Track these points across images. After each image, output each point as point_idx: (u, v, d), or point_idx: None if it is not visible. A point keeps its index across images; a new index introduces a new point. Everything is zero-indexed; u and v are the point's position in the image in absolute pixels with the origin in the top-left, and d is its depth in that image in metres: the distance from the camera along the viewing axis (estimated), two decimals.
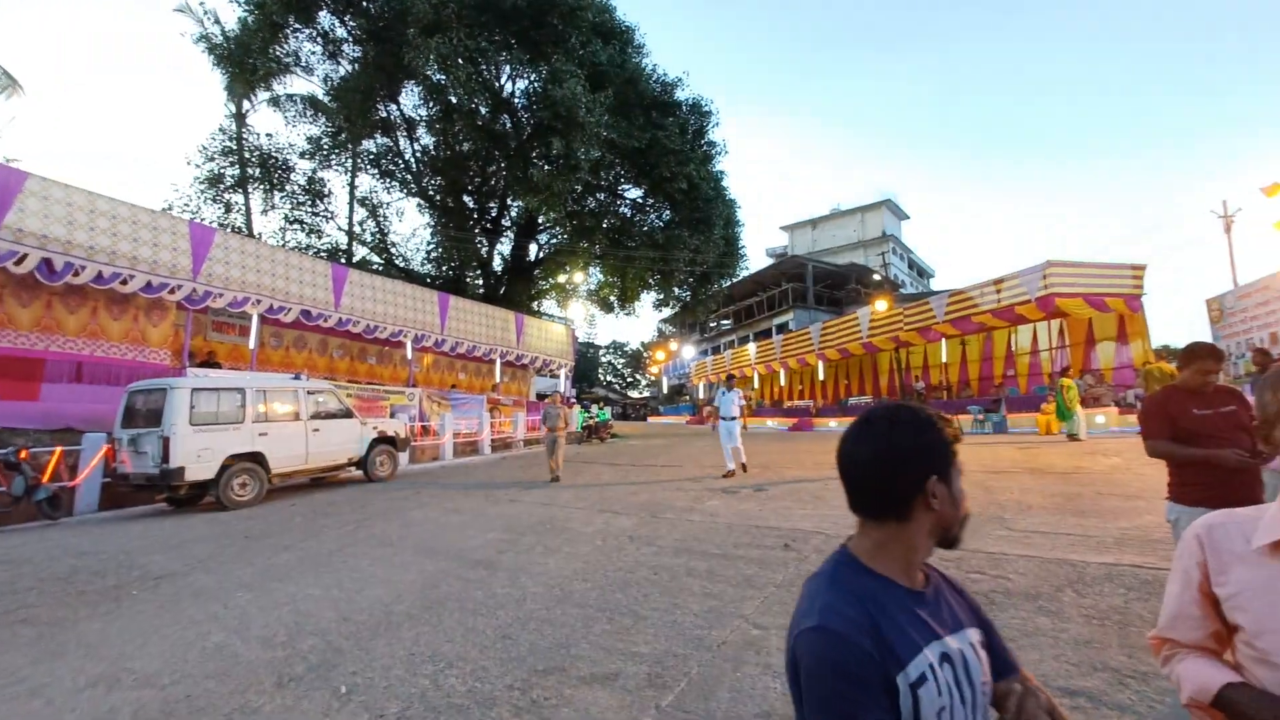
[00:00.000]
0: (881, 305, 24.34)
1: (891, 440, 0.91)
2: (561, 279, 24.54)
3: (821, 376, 28.29)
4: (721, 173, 21.64)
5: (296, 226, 21.88)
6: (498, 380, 19.36)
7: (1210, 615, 1.04)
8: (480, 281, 23.82)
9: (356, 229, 23.03)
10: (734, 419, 10.30)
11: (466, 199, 22.63)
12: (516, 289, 22.83)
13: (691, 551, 5.45)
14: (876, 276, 35.89)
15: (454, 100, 18.12)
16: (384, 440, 11.43)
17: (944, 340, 22.00)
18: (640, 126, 19.14)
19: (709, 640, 3.55)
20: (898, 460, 0.90)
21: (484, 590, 4.61)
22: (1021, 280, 18.24)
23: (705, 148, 20.94)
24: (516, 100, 20.05)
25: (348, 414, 10.82)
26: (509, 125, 19.81)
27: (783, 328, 35.74)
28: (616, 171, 20.80)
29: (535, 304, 26.09)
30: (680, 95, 20.81)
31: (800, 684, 0.84)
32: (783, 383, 31.75)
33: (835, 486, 9.18)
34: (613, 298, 24.35)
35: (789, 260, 40.06)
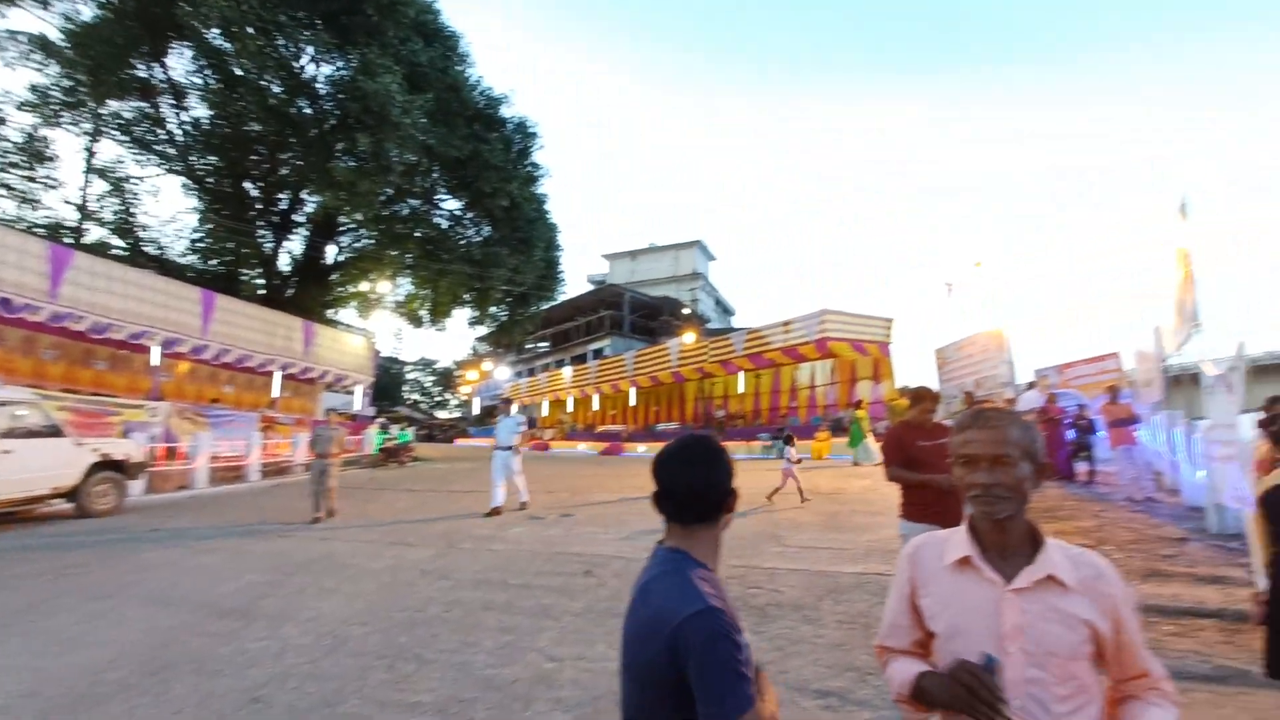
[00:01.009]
0: (690, 338, 26.20)
1: (710, 464, 1.17)
2: (364, 287, 22.42)
3: (633, 403, 29.44)
4: (545, 195, 21.71)
5: (1, 191, 17.17)
6: (275, 395, 16.93)
7: (916, 624, 1.19)
8: (262, 282, 20.80)
9: (93, 204, 18.76)
10: (509, 448, 8.91)
11: (249, 186, 19.73)
12: (308, 294, 20.32)
13: (490, 583, 5.18)
14: (686, 310, 38.59)
15: (240, 73, 15.81)
16: (107, 465, 9.24)
17: (742, 373, 24.28)
18: (463, 137, 18.46)
19: (499, 680, 3.35)
20: (715, 479, 1.17)
21: (233, 645, 3.88)
22: (803, 324, 20.95)
23: (529, 168, 20.85)
24: (320, 86, 18.14)
25: (55, 432, 8.57)
26: (309, 112, 17.82)
27: (599, 353, 36.62)
28: (434, 180, 19.74)
29: (331, 312, 23.45)
30: (506, 113, 20.58)
31: (683, 662, 0.99)
32: (596, 407, 32.41)
33: (639, 509, 9.52)
34: (423, 311, 22.85)
35: (608, 288, 41.38)
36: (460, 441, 41.12)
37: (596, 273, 58.98)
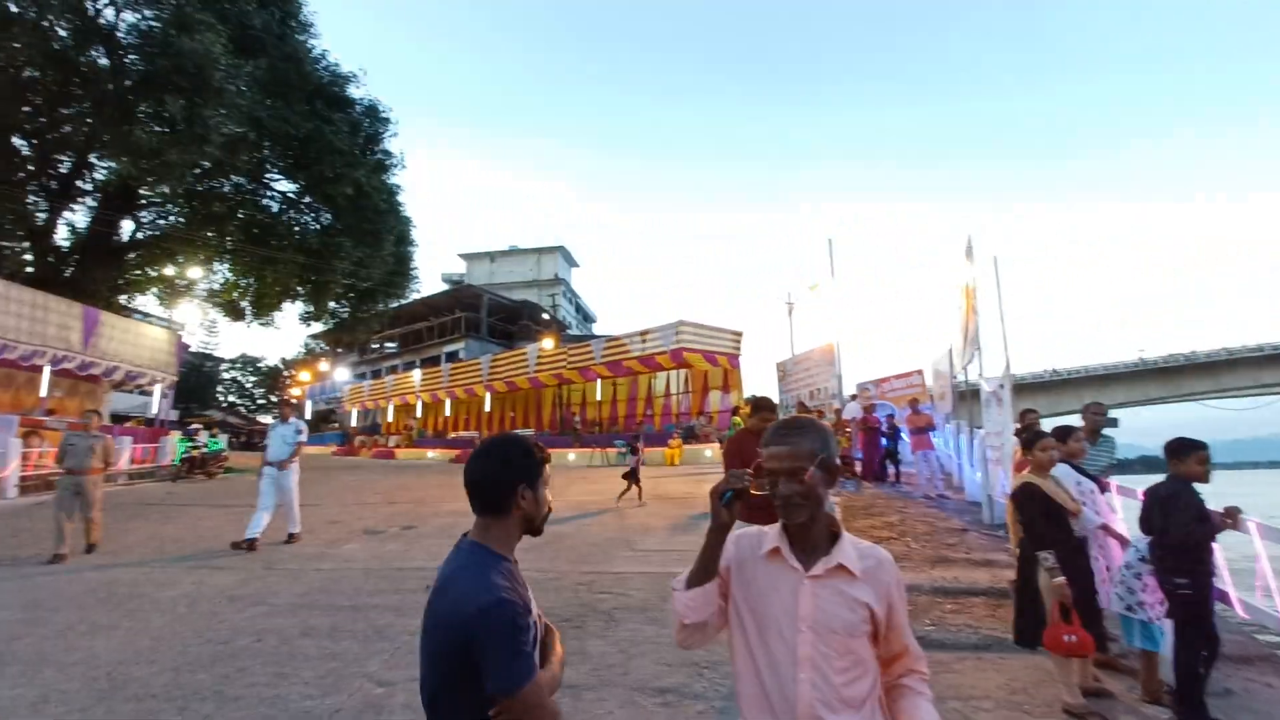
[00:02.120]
0: (549, 343, 25.93)
1: (500, 460, 1.31)
2: (170, 271, 19.31)
3: (488, 408, 28.47)
4: (397, 186, 20.20)
5: None
6: (44, 395, 13.99)
7: (719, 595, 1.33)
8: (30, 257, 17.15)
9: None
10: (276, 464, 7.18)
11: (18, 141, 16.16)
12: (94, 275, 17.03)
13: (313, 607, 4.69)
14: (546, 316, 38.22)
15: (13, 8, 12.94)
16: None
17: (600, 380, 24.51)
18: (301, 114, 16.64)
19: (318, 711, 3.05)
20: (499, 475, 1.29)
21: None
22: (660, 334, 21.67)
23: (380, 156, 19.30)
24: (122, 36, 15.42)
25: None
26: (105, 64, 15.06)
27: (453, 356, 34.96)
28: (265, 157, 17.58)
29: (125, 298, 19.92)
30: (355, 93, 18.89)
31: (475, 649, 1.14)
32: (448, 413, 30.88)
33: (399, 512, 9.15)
34: (244, 303, 20.20)
35: (466, 289, 39.73)
36: None
37: (453, 272, 56.53)
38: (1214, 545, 3.15)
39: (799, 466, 1.24)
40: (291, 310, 21.89)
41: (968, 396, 12.36)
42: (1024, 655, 3.81)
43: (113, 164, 15.75)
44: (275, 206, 19.52)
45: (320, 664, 3.62)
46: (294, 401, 8.12)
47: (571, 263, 57.24)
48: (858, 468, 12.64)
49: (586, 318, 59.85)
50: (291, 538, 7.18)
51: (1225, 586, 3.97)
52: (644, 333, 22.10)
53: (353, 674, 3.48)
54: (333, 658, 3.71)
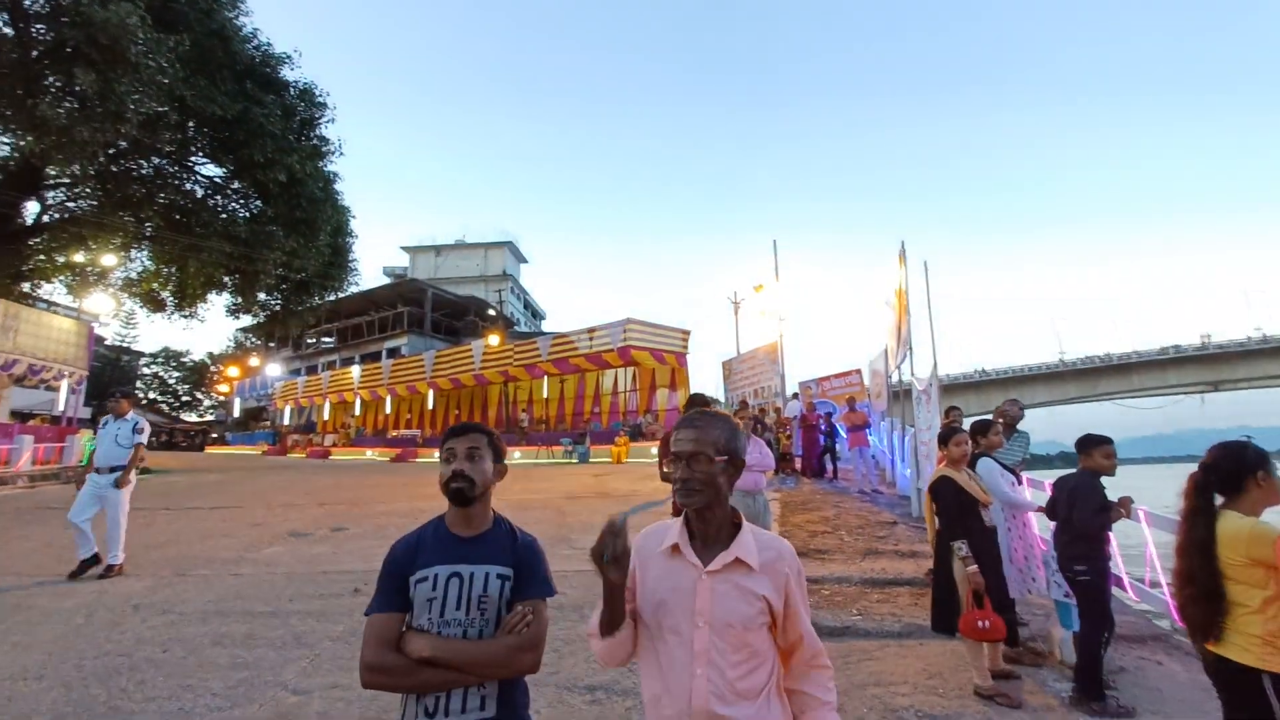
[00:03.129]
0: (494, 340, 25.48)
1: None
2: (80, 258, 17.89)
3: (431, 405, 27.76)
4: (335, 174, 19.27)
5: None
6: None
7: (629, 599, 1.33)
8: None
9: None
10: (114, 472, 5.66)
11: None
12: None
13: (227, 614, 4.43)
14: (492, 312, 37.54)
15: None
16: None
17: (546, 378, 24.26)
18: (229, 94, 15.68)
19: None
20: None
21: None
22: (608, 332, 21.62)
23: (316, 142, 18.37)
24: (28, 3, 14.19)
25: None
26: (9, 33, 13.82)
27: (394, 352, 33.88)
28: (189, 138, 16.49)
29: (29, 285, 18.35)
30: (288, 74, 17.90)
31: None
32: (389, 410, 29.92)
33: (426, 516, 8.75)
34: (166, 293, 18.92)
35: (409, 283, 38.58)
36: (215, 449, 35.01)
37: (396, 266, 54.82)
38: (1110, 534, 3.38)
39: (701, 452, 1.25)
40: (218, 302, 20.73)
41: (901, 395, 12.88)
42: (942, 641, 3.98)
43: (15, 139, 14.49)
44: (200, 191, 18.40)
45: (231, 674, 3.42)
46: (130, 393, 6.39)
47: (520, 259, 56.48)
48: (798, 464, 12.97)
49: (535, 315, 59.16)
50: (110, 569, 5.44)
51: (1119, 572, 4.27)
52: (591, 330, 22.01)
53: (266, 683, 3.30)
54: (245, 667, 3.51)
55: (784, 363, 17.74)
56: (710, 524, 1.28)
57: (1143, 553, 4.18)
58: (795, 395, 17.64)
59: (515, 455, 20.92)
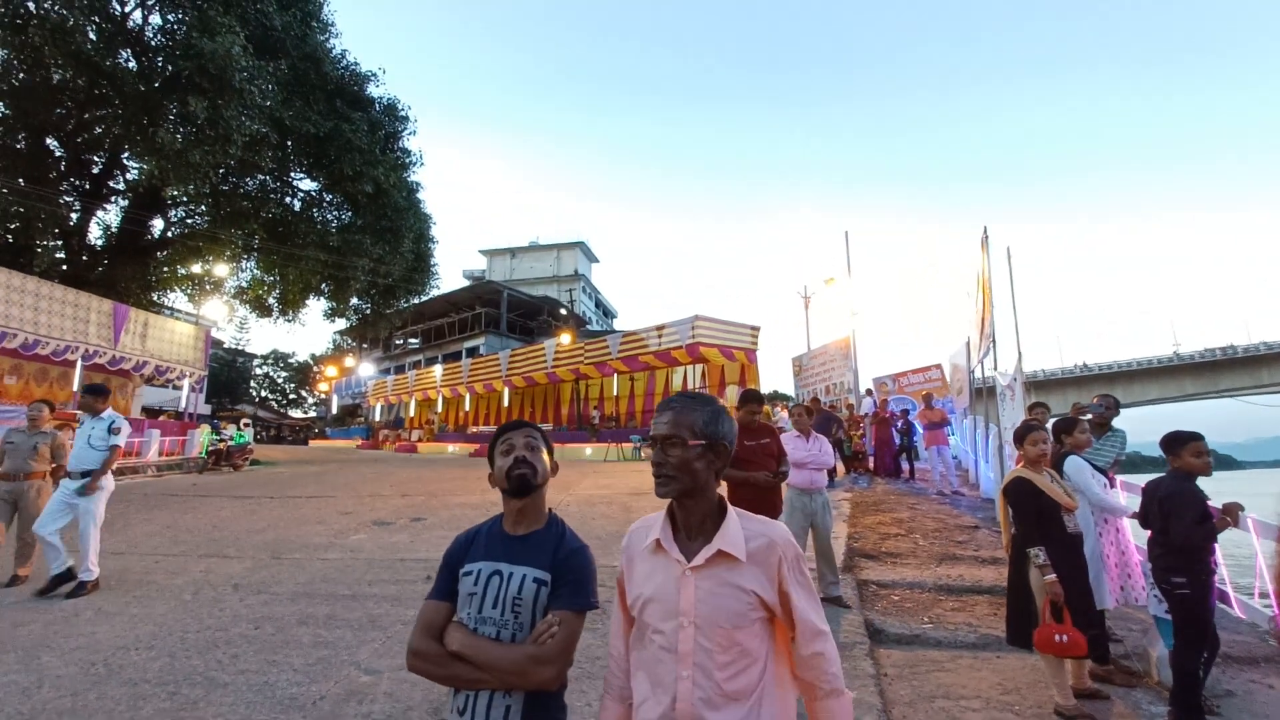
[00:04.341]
0: (566, 339, 26.05)
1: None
2: (198, 269, 19.84)
3: (506, 403, 28.73)
4: (417, 184, 20.42)
5: None
6: (76, 388, 14.52)
7: (625, 609, 1.30)
8: (62, 255, 17.75)
9: None
10: (85, 476, 5.05)
11: (51, 142, 16.74)
12: (124, 273, 17.58)
13: (314, 596, 4.77)
14: (564, 311, 38.39)
15: (34, 8, 13.38)
16: None
17: (616, 375, 24.54)
18: (321, 113, 16.91)
19: (303, 699, 3.09)
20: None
21: None
22: (677, 329, 21.59)
23: (399, 154, 19.52)
24: (150, 38, 15.85)
25: None
26: (132, 66, 15.49)
27: (473, 351, 35.34)
28: (287, 156, 17.93)
29: (156, 295, 20.53)
30: (374, 91, 19.10)
31: None
32: (468, 408, 31.24)
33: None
34: (271, 300, 20.65)
35: (486, 285, 40.10)
36: (316, 443, 37.83)
37: (474, 269, 57.15)
38: (1215, 544, 3.02)
39: (675, 435, 1.19)
40: (316, 307, 22.41)
41: (985, 392, 12.09)
42: (1022, 655, 3.71)
43: (140, 164, 16.21)
44: (298, 205, 19.92)
45: (312, 652, 3.68)
46: (103, 388, 5.50)
47: (592, 258, 57.39)
48: (870, 463, 12.46)
49: (607, 313, 59.96)
50: (81, 587, 4.83)
51: (1225, 586, 3.82)
52: (660, 328, 22.04)
53: (342, 661, 3.53)
54: (325, 645, 3.77)
55: (857, 358, 17.07)
56: (693, 514, 1.21)
57: (1252, 563, 3.70)
58: (869, 391, 16.96)
59: (586, 452, 21.30)
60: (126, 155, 17.08)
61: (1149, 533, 3.20)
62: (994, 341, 8.35)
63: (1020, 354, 7.45)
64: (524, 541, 1.43)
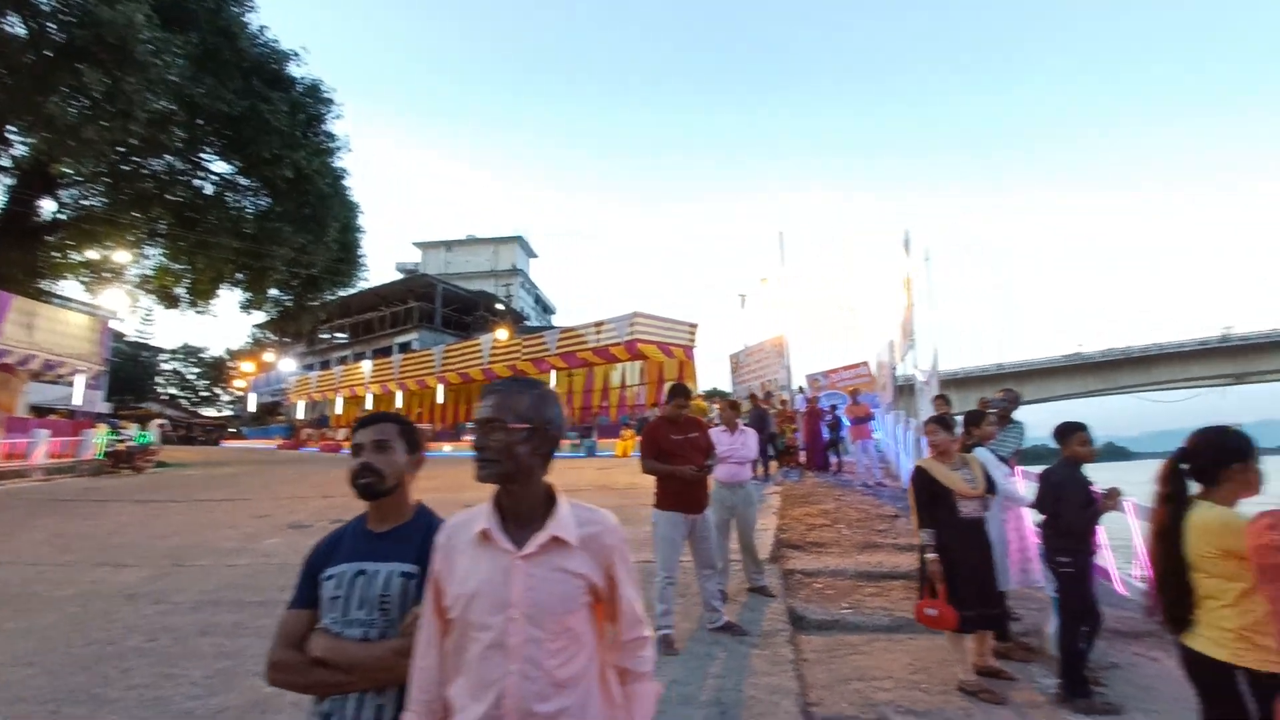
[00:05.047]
0: (503, 334, 25.55)
1: None
2: (94, 254, 18.20)
3: (441, 400, 27.93)
4: (343, 170, 19.43)
5: None
6: None
7: (437, 614, 1.20)
8: None
9: None
10: None
11: None
12: (10, 258, 15.89)
13: (220, 604, 4.48)
14: (501, 306, 37.66)
15: None
16: None
17: (555, 371, 24.29)
18: (237, 91, 15.82)
19: (200, 712, 2.90)
20: None
21: None
22: (615, 325, 21.59)
23: (322, 138, 18.51)
24: (42, 3, 14.38)
25: None
26: (21, 32, 14.03)
27: (405, 347, 34.14)
28: (197, 136, 16.67)
29: (46, 283, 18.71)
30: (295, 71, 17.99)
31: None
32: (400, 404, 30.15)
33: (438, 508, 8.75)
34: (179, 289, 19.20)
35: (419, 278, 38.85)
36: (230, 443, 35.57)
37: (408, 261, 55.18)
38: (1098, 527, 3.29)
39: (497, 419, 1.17)
40: (230, 298, 20.98)
41: (907, 389, 12.72)
42: (932, 636, 3.91)
43: (28, 139, 14.73)
44: (210, 188, 18.60)
45: (213, 663, 3.45)
46: None
47: (530, 253, 56.58)
48: (801, 457, 12.87)
49: (546, 309, 59.27)
50: None
51: (1108, 565, 4.17)
52: (599, 324, 21.99)
53: (246, 672, 3.32)
54: (228, 656, 3.55)
55: (790, 355, 17.58)
56: (521, 501, 1.19)
57: (1130, 546, 4.07)
58: (801, 389, 17.51)
59: None
60: (13, 129, 15.46)
61: (1043, 516, 3.45)
62: (913, 340, 8.79)
63: (936, 352, 7.88)
64: (388, 537, 1.40)
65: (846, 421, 12.64)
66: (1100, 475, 3.41)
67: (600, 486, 10.33)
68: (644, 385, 24.80)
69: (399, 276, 43.34)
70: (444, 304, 36.76)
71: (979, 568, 3.24)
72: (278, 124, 16.25)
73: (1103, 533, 3.61)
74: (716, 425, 4.89)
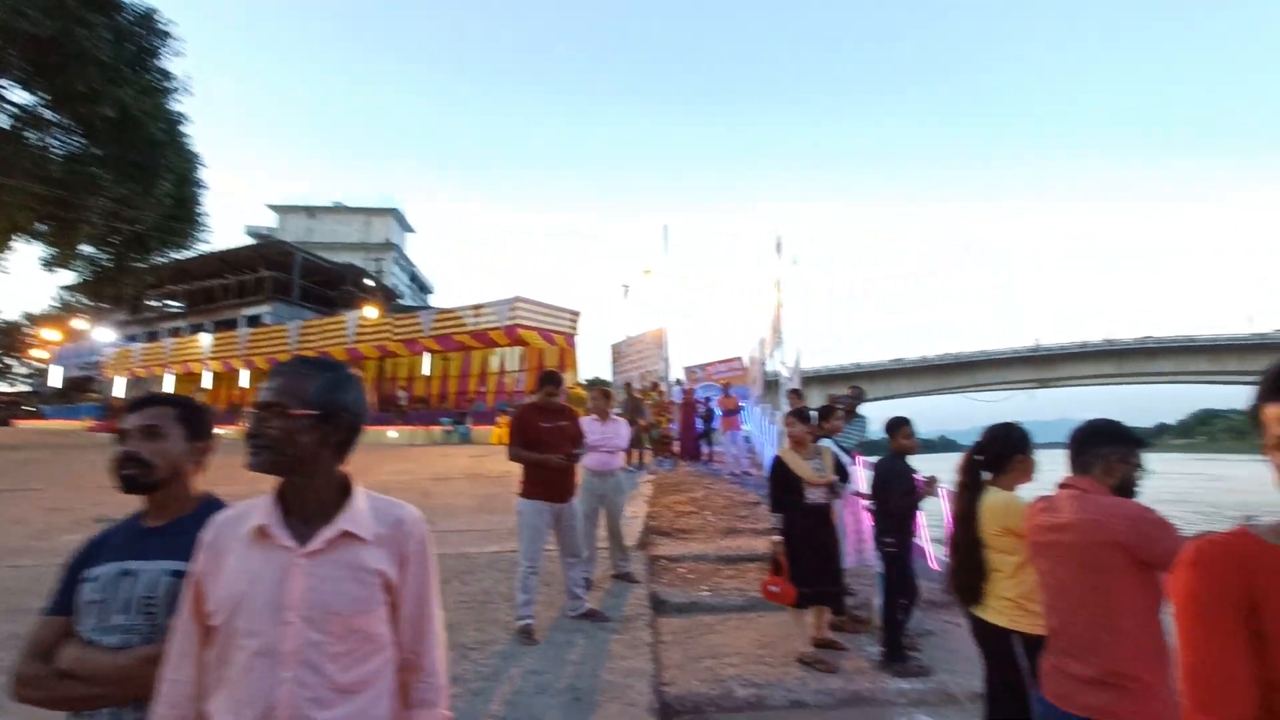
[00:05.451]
0: (372, 312, 23.87)
1: None
2: None
3: None
4: (181, 115, 16.83)
5: None
6: None
7: (196, 619, 1.07)
8: None
9: None
10: None
11: None
12: None
13: None
14: (369, 282, 35.13)
15: None
16: None
17: (429, 355, 23.14)
18: (45, 9, 13.26)
19: None
20: None
21: None
22: (495, 309, 20.96)
23: (156, 76, 15.93)
24: None
25: None
26: None
27: (254, 320, 30.79)
28: None
29: None
30: None
31: None
32: (245, 384, 27.17)
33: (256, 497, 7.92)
34: None
35: (275, 245, 35.11)
36: (26, 423, 30.12)
37: (261, 226, 49.73)
38: (919, 511, 3.71)
39: (276, 403, 1.05)
40: (29, 253, 17.66)
41: (774, 384, 13.56)
42: (779, 613, 4.20)
43: None
44: (4, 121, 15.45)
45: None
46: None
47: (406, 227, 53.33)
48: (676, 447, 13.31)
49: (423, 288, 56.19)
50: None
51: (926, 545, 4.74)
52: (478, 307, 21.24)
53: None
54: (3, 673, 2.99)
55: (670, 348, 18.08)
56: (307, 494, 1.07)
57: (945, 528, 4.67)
58: (678, 381, 18.08)
59: (391, 435, 19.85)
60: None
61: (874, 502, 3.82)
62: (781, 338, 9.37)
63: (799, 351, 8.44)
64: (161, 533, 1.26)
65: (719, 413, 13.25)
66: (934, 465, 3.85)
67: (472, 474, 10.00)
68: (524, 372, 24.33)
69: (251, 242, 38.93)
70: (304, 275, 33.57)
71: (821, 549, 3.53)
72: (98, 53, 13.79)
73: (923, 517, 4.07)
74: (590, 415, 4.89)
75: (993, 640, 2.11)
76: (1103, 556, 1.57)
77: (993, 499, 2.14)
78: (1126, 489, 1.67)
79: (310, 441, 1.06)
